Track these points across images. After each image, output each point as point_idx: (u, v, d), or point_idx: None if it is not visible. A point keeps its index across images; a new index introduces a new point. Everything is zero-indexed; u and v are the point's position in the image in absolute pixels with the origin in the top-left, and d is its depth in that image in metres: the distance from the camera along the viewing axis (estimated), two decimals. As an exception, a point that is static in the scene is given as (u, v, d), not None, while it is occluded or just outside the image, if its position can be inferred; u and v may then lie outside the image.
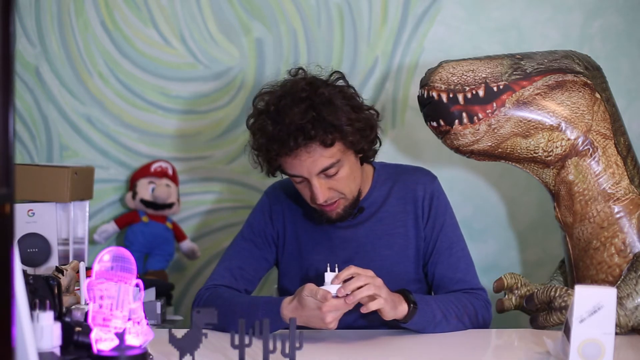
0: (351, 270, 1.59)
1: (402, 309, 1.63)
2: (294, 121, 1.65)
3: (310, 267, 1.84)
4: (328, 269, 1.61)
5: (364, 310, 1.58)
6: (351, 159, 1.76)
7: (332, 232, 1.84)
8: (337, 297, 1.56)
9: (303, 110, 1.66)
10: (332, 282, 1.58)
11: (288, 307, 1.62)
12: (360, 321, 1.79)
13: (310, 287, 1.59)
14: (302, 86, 1.71)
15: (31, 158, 2.47)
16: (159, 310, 2.01)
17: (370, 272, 1.60)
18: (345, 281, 1.58)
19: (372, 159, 1.87)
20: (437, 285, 1.83)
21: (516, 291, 1.93)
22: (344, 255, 1.81)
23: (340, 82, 1.78)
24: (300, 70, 1.78)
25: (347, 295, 1.56)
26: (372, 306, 1.57)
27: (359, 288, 1.56)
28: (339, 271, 1.60)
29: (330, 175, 1.72)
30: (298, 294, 1.61)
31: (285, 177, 1.99)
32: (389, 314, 1.61)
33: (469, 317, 1.75)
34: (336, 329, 1.72)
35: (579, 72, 1.87)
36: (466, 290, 1.80)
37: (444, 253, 1.83)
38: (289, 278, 1.88)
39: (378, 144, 1.83)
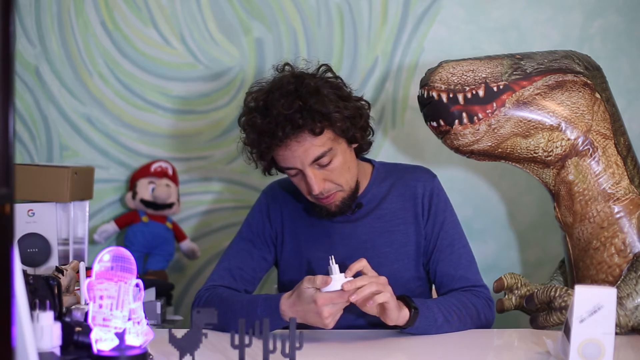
0: (362, 262, 1.60)
1: (404, 314, 1.63)
2: (281, 112, 1.67)
3: (309, 264, 1.84)
4: (331, 261, 1.59)
5: (370, 304, 1.57)
6: (344, 148, 1.76)
7: (331, 229, 1.85)
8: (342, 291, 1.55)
9: (290, 101, 1.69)
10: (345, 276, 1.57)
11: (286, 302, 1.62)
12: (360, 321, 1.79)
13: (309, 277, 1.59)
14: (288, 79, 1.74)
15: (31, 158, 2.46)
16: (159, 310, 2.01)
17: (373, 273, 1.61)
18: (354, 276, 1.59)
19: (367, 151, 1.87)
20: (439, 283, 1.83)
21: (516, 291, 1.93)
22: (343, 252, 1.81)
23: (328, 74, 1.80)
24: (286, 66, 1.81)
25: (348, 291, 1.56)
26: (379, 299, 1.57)
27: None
28: (335, 262, 1.59)
29: (324, 165, 1.72)
30: (297, 287, 1.61)
31: (283, 176, 2.00)
32: (393, 315, 1.61)
33: (471, 318, 1.75)
34: (336, 328, 1.72)
35: (579, 72, 1.87)
36: (468, 288, 1.80)
37: (445, 250, 1.83)
38: (288, 276, 1.88)
39: (371, 134, 1.84)
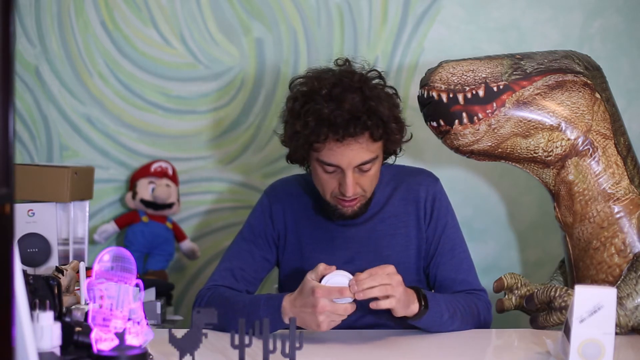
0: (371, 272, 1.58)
1: (414, 307, 1.63)
2: (353, 108, 1.66)
3: (311, 266, 1.83)
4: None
5: (373, 306, 1.57)
6: (381, 159, 1.78)
7: (334, 232, 1.84)
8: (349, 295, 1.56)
9: (362, 100, 1.67)
10: (349, 285, 1.56)
11: (288, 299, 1.62)
12: (360, 321, 1.79)
13: (314, 270, 1.59)
14: (356, 78, 1.72)
15: (31, 158, 2.46)
16: (159, 310, 2.01)
17: (389, 269, 1.59)
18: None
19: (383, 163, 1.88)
20: (439, 287, 1.83)
21: (516, 291, 1.93)
22: (345, 255, 1.81)
23: (379, 81, 1.78)
24: (346, 62, 1.78)
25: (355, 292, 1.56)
26: (383, 305, 1.57)
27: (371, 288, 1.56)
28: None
29: (364, 171, 1.73)
30: (302, 283, 1.61)
31: (284, 176, 2.00)
32: (399, 313, 1.61)
33: (472, 318, 1.75)
34: (336, 328, 1.72)
35: (579, 72, 1.87)
36: (469, 291, 1.80)
37: (446, 254, 1.83)
38: (289, 277, 1.88)
39: (400, 151, 1.84)
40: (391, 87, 1.79)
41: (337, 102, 1.67)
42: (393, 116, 1.72)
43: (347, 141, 1.68)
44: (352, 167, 1.70)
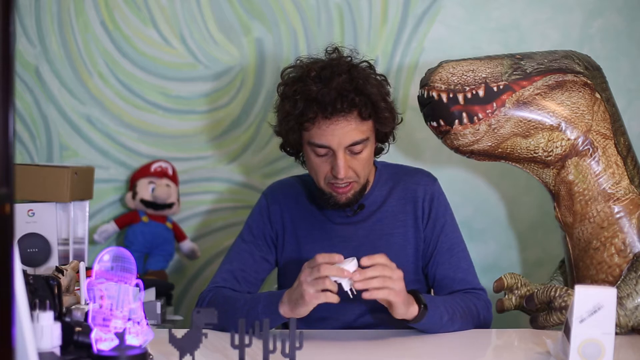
0: (374, 259, 1.59)
1: (413, 309, 1.63)
2: (340, 86, 1.69)
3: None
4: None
5: (366, 295, 1.55)
6: (373, 143, 1.80)
7: (332, 231, 1.85)
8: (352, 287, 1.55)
9: (349, 80, 1.71)
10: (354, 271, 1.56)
11: (288, 290, 1.62)
12: (359, 321, 1.79)
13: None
14: (342, 62, 1.77)
15: (31, 158, 2.46)
16: (159, 310, 2.01)
17: (393, 265, 1.59)
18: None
19: (378, 155, 1.88)
20: (438, 286, 1.83)
21: (516, 291, 1.93)
22: (343, 254, 1.80)
23: (370, 71, 1.81)
24: (336, 50, 1.82)
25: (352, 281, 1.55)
26: (377, 294, 1.55)
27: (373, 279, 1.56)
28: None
29: (355, 153, 1.74)
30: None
31: (284, 176, 2.00)
32: (400, 310, 1.60)
33: (472, 318, 1.75)
34: (336, 329, 1.72)
35: (579, 72, 1.87)
36: (468, 290, 1.80)
37: (445, 254, 1.83)
38: (288, 277, 1.88)
39: (392, 139, 1.87)
40: (381, 75, 1.82)
41: (325, 82, 1.71)
42: (381, 96, 1.75)
43: (336, 119, 1.70)
44: (342, 147, 1.72)
